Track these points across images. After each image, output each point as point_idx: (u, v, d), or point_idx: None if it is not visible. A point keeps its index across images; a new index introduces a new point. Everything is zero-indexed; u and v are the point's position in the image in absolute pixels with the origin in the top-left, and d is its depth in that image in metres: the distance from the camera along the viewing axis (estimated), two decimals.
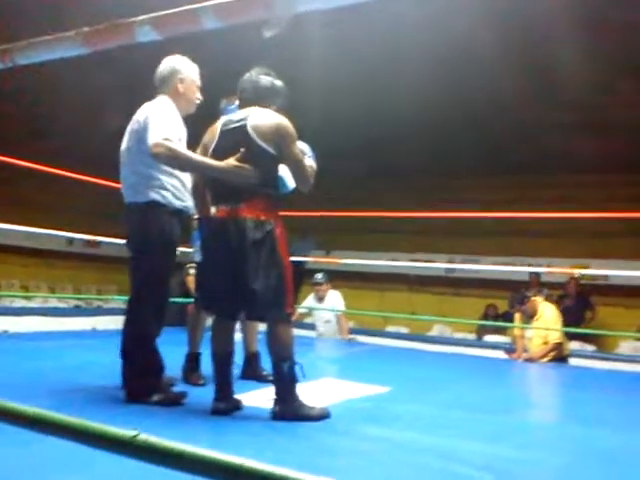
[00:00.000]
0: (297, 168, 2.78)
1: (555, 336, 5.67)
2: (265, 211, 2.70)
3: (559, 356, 5.74)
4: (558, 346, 5.70)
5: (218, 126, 2.85)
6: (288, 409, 2.65)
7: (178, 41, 1.08)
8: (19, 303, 8.52)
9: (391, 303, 10.15)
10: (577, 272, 8.26)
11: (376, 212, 7.57)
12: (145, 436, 0.89)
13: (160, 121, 2.79)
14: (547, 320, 5.69)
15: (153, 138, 2.72)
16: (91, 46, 0.98)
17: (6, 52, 1.02)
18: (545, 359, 5.67)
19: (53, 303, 9.11)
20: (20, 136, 7.63)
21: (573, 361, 6.14)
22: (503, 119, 8.04)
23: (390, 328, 9.36)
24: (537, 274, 8.45)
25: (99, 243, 9.39)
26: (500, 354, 6.70)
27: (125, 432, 0.90)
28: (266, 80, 2.92)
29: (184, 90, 3.06)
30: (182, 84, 3.05)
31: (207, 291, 2.92)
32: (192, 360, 3.56)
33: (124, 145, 3.02)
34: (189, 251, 3.56)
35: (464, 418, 2.99)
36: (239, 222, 2.64)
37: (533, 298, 5.80)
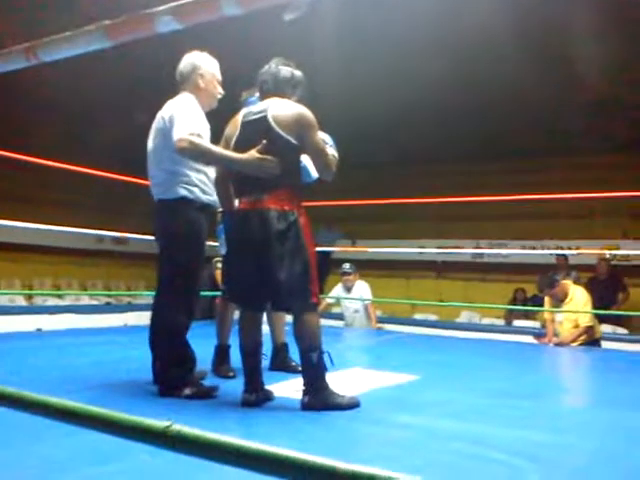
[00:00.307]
0: (319, 157, 2.78)
1: (586, 319, 5.59)
2: (288, 201, 2.69)
3: (590, 339, 5.66)
4: (589, 329, 5.62)
5: (239, 118, 2.85)
6: (318, 399, 2.65)
7: (198, 33, 1.07)
8: (52, 301, 8.67)
9: (418, 290, 10.11)
10: (607, 253, 8.12)
11: (401, 199, 7.54)
12: (178, 426, 0.89)
13: (184, 117, 2.82)
14: (577, 303, 5.61)
15: (178, 134, 2.74)
16: (113, 39, 0.99)
17: (30, 49, 1.03)
18: (576, 343, 5.60)
19: (84, 301, 9.26)
20: (51, 138, 7.72)
21: (605, 344, 6.05)
22: (526, 101, 7.93)
23: (418, 316, 9.33)
24: (564, 256, 8.31)
25: (127, 240, 9.50)
26: (529, 339, 6.64)
27: (158, 423, 0.91)
28: (286, 71, 2.91)
29: (205, 85, 3.08)
30: (203, 80, 3.07)
31: (233, 283, 2.95)
32: (221, 352, 3.59)
33: (150, 144, 3.05)
34: (216, 245, 3.57)
35: (495, 404, 2.96)
36: (263, 213, 2.65)
37: (563, 281, 5.72)
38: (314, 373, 2.68)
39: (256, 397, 2.75)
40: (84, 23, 1.01)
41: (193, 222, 2.94)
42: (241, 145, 2.75)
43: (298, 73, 2.96)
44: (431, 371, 3.83)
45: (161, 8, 0.93)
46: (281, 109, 2.74)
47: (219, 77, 3.17)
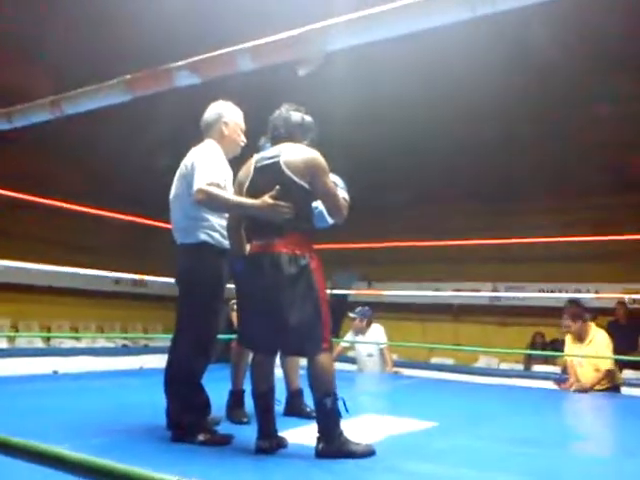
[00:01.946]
0: (330, 200, 2.81)
1: (607, 363, 5.47)
2: (300, 245, 2.71)
3: (611, 385, 5.53)
4: (610, 373, 5.50)
5: (252, 163, 2.90)
6: (332, 446, 2.61)
7: (219, 83, 1.10)
8: (68, 344, 8.69)
9: (435, 334, 10.00)
10: (626, 297, 8.00)
11: (417, 242, 7.53)
12: None
13: (205, 166, 2.88)
14: (599, 346, 5.47)
15: (197, 184, 2.81)
16: (133, 92, 1.02)
17: (55, 103, 1.07)
18: (597, 387, 5.47)
19: (101, 343, 9.27)
20: (74, 185, 7.87)
21: (626, 390, 5.91)
22: (544, 142, 7.95)
23: (435, 360, 9.20)
24: (575, 301, 8.08)
25: (145, 283, 9.56)
26: (550, 384, 6.51)
27: (168, 477, 0.90)
28: (297, 116, 2.96)
29: (229, 133, 3.16)
30: (226, 128, 3.15)
31: (245, 327, 2.91)
32: (235, 397, 3.55)
33: (173, 191, 3.13)
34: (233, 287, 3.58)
35: (515, 452, 2.90)
36: (274, 257, 2.66)
37: (571, 317, 5.56)
38: (328, 420, 2.64)
39: (269, 444, 2.70)
40: (106, 77, 1.05)
41: (213, 266, 2.97)
42: (253, 190, 2.79)
43: (308, 118, 3.01)
44: (448, 417, 3.76)
45: (180, 63, 0.96)
46: (293, 154, 2.78)
47: (242, 126, 3.25)
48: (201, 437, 2.81)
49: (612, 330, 7.04)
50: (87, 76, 1.49)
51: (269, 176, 2.75)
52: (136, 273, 6.18)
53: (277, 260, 2.65)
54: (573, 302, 5.79)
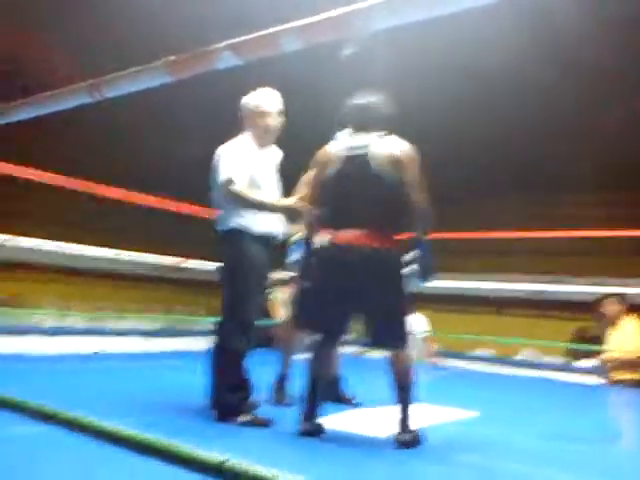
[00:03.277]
0: (418, 192, 2.73)
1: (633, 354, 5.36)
2: (390, 240, 2.74)
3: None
4: (633, 364, 5.37)
5: (338, 151, 2.80)
6: (410, 436, 2.65)
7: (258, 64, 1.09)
8: (112, 324, 8.86)
9: (478, 326, 9.86)
10: None
11: (461, 233, 7.43)
12: (234, 462, 0.89)
13: (226, 162, 3.00)
14: (626, 333, 5.42)
15: (220, 179, 2.96)
16: (175, 74, 1.01)
17: (94, 86, 1.07)
18: (623, 376, 5.37)
19: (144, 324, 9.42)
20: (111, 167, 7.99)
21: None
22: (592, 133, 7.71)
23: (477, 351, 9.09)
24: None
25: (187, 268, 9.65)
26: (591, 379, 6.36)
27: (215, 457, 0.90)
28: (382, 104, 2.89)
29: (257, 122, 3.16)
30: (254, 117, 3.16)
31: (318, 312, 2.82)
32: (282, 381, 3.62)
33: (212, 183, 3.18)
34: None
35: (558, 447, 2.86)
36: (370, 250, 2.66)
37: (610, 302, 5.57)
38: (408, 411, 2.67)
39: (312, 426, 2.73)
40: (146, 60, 1.05)
41: (246, 251, 3.00)
42: (343, 180, 2.75)
43: (390, 105, 2.92)
44: (490, 409, 3.71)
45: (222, 44, 0.95)
46: (387, 148, 2.73)
47: (273, 109, 3.18)
48: (242, 418, 2.87)
49: None
50: (125, 60, 1.49)
51: (360, 169, 2.72)
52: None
53: (375, 254, 2.66)
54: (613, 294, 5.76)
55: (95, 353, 5.90)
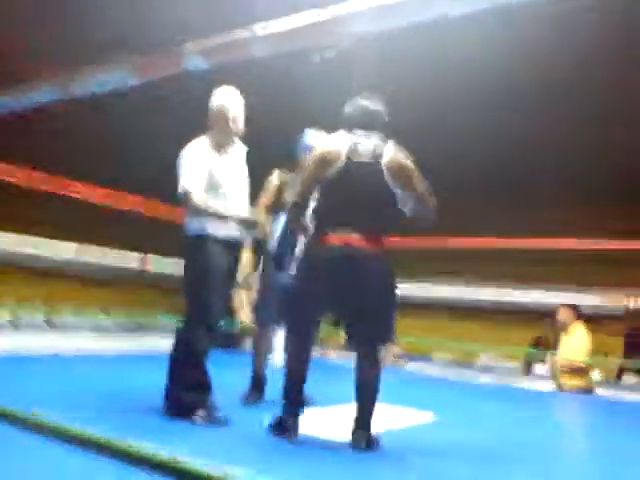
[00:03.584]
0: (426, 201, 2.77)
1: (580, 359, 5.60)
2: (382, 243, 2.77)
3: (586, 385, 5.67)
4: (581, 370, 5.61)
5: (345, 152, 2.74)
6: (372, 437, 2.67)
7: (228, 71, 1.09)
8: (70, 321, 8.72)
9: (436, 330, 9.96)
10: None
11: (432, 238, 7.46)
12: (180, 458, 0.89)
13: (183, 170, 3.05)
14: (576, 340, 5.65)
15: (179, 191, 3.02)
16: (141, 76, 1.01)
17: (62, 83, 1.06)
18: (568, 383, 5.58)
19: (104, 324, 9.28)
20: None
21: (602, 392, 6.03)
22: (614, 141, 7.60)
23: (437, 355, 9.19)
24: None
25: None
26: (546, 385, 6.51)
27: (161, 454, 0.90)
28: (377, 105, 2.89)
29: (221, 121, 3.16)
30: (220, 117, 3.15)
31: (306, 314, 2.81)
32: (258, 381, 3.67)
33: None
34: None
35: (509, 453, 2.91)
36: (368, 254, 2.68)
37: (564, 310, 5.80)
38: (372, 412, 2.70)
39: (296, 427, 2.73)
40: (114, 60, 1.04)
41: (206, 255, 3.02)
42: (351, 184, 2.71)
43: (385, 107, 2.92)
44: (447, 412, 3.77)
45: (190, 47, 0.95)
46: (393, 157, 2.74)
47: (234, 108, 3.17)
48: (197, 415, 2.87)
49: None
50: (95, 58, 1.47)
51: (369, 177, 2.71)
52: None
53: (366, 256, 2.69)
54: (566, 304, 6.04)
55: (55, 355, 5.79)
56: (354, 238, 2.69)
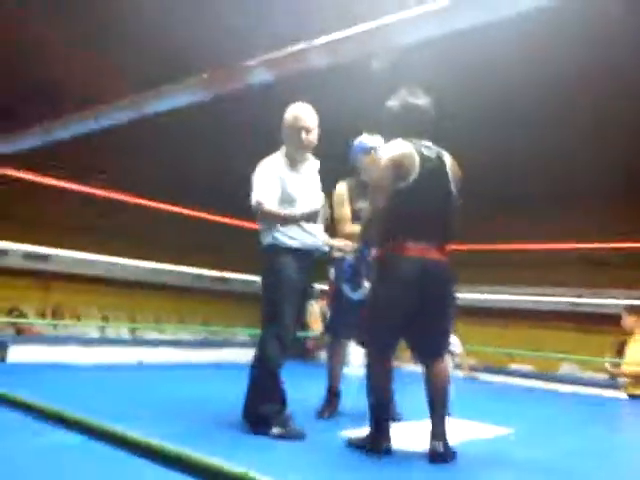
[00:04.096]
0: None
1: None
2: (448, 253, 2.75)
3: None
4: None
5: (420, 156, 2.69)
6: (445, 447, 2.62)
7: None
8: (153, 335, 9.03)
9: (515, 340, 9.69)
10: None
11: (495, 245, 7.34)
12: (255, 474, 0.90)
13: (256, 184, 3.14)
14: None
15: (252, 202, 3.11)
16: (209, 91, 1.05)
17: (134, 102, 1.11)
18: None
19: (183, 336, 9.57)
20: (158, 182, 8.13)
21: None
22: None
23: (514, 366, 8.93)
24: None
25: (228, 279, 9.75)
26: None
27: (236, 469, 0.92)
28: (430, 105, 2.86)
29: (289, 137, 3.22)
30: (295, 131, 3.19)
31: (390, 328, 2.74)
32: (332, 395, 3.65)
33: None
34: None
35: (592, 466, 2.79)
36: (443, 265, 2.70)
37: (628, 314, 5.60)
38: (445, 422, 2.66)
39: (389, 446, 2.69)
40: (182, 77, 1.08)
41: (280, 265, 3.06)
42: (424, 190, 2.68)
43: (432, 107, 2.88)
44: (527, 425, 3.65)
45: (254, 61, 0.98)
46: (452, 163, 2.79)
47: (308, 123, 3.20)
48: (275, 430, 2.87)
49: None
50: (163, 76, 1.53)
51: (439, 181, 2.73)
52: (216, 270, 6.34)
53: (445, 268, 2.70)
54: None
55: (139, 362, 6.02)
56: (432, 249, 2.66)
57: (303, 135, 3.19)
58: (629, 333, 5.64)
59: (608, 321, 8.38)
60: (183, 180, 8.75)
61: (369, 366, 2.77)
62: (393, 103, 2.87)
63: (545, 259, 9.12)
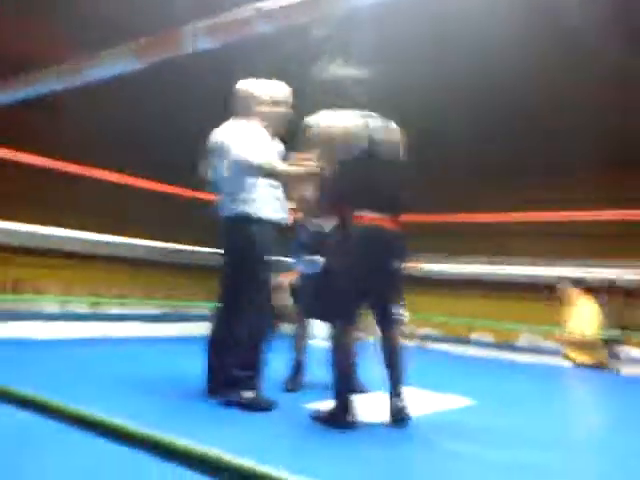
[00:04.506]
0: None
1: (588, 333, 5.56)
2: (400, 222, 2.78)
3: (596, 361, 5.59)
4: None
5: (362, 129, 2.71)
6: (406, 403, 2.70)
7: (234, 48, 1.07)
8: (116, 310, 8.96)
9: (472, 309, 9.84)
10: None
11: (457, 215, 7.40)
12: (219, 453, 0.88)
13: (243, 145, 2.98)
14: (583, 314, 5.64)
15: (242, 159, 2.94)
16: (144, 59, 1.00)
17: (63, 71, 1.05)
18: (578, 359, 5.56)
19: (146, 309, 9.50)
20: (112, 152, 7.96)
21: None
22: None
23: (474, 336, 9.09)
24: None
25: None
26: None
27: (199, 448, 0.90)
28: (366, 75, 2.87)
29: (271, 111, 3.18)
30: (270, 106, 3.18)
31: (349, 300, 2.76)
32: (298, 367, 3.68)
33: (210, 166, 3.18)
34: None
35: (553, 436, 2.85)
36: (397, 232, 2.73)
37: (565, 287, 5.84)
38: (402, 386, 2.74)
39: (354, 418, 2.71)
40: (116, 44, 1.02)
41: (258, 236, 3.01)
42: (372, 160, 2.70)
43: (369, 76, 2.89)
44: (487, 397, 3.72)
45: (191, 26, 0.93)
46: (401, 133, 2.81)
47: (285, 100, 3.21)
48: (246, 395, 2.88)
49: None
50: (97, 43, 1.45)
51: (389, 152, 2.75)
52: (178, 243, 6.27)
53: (398, 235, 2.74)
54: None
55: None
56: (385, 219, 2.69)
57: (281, 111, 3.19)
58: (566, 302, 5.86)
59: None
60: (135, 151, 8.56)
61: (334, 338, 2.76)
62: (326, 75, 2.86)
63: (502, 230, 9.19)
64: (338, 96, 2.81)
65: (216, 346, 3.11)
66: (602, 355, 5.75)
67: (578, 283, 5.87)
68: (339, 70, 2.83)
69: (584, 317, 5.62)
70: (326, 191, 2.78)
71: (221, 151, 3.05)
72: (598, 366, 5.57)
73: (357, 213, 2.67)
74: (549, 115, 7.79)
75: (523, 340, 8.87)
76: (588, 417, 3.48)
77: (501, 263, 9.52)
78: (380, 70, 2.86)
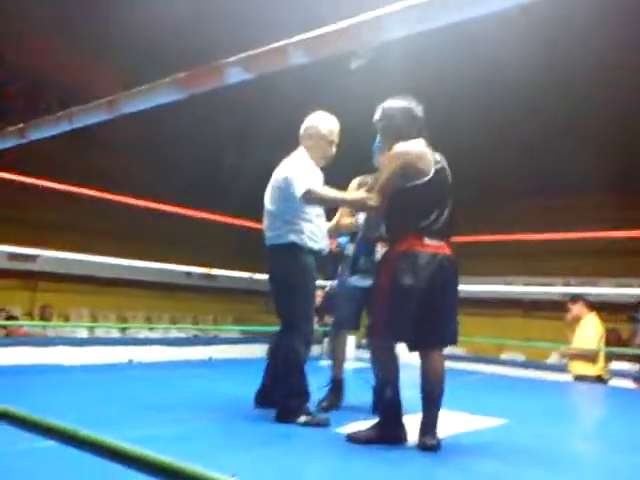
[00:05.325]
0: None
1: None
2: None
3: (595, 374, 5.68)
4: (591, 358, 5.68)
5: (432, 160, 2.87)
6: (435, 439, 2.65)
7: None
8: (143, 334, 8.98)
9: (505, 330, 9.75)
10: None
11: (490, 236, 7.39)
12: None
13: (301, 173, 3.18)
14: (585, 328, 5.81)
15: (300, 189, 3.11)
16: (185, 90, 1.03)
17: (111, 103, 1.10)
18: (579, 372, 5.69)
19: (173, 334, 9.53)
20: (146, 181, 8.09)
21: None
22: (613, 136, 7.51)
23: (505, 356, 8.97)
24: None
25: (216, 276, 9.74)
26: (627, 383, 6.25)
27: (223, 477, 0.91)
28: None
29: (324, 148, 3.38)
30: (325, 143, 3.38)
31: (402, 321, 2.75)
32: (337, 386, 3.68)
33: (267, 196, 3.37)
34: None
35: (588, 454, 2.80)
36: (450, 259, 2.80)
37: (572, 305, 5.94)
38: (436, 414, 2.70)
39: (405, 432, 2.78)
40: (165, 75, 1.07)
41: (305, 265, 3.22)
42: (437, 189, 2.84)
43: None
44: (519, 415, 3.66)
45: (231, 59, 0.97)
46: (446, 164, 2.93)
47: (332, 138, 3.40)
48: (303, 418, 3.06)
49: None
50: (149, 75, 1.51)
51: (447, 181, 2.90)
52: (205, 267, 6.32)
53: (452, 262, 2.80)
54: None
55: (129, 361, 5.97)
56: (443, 245, 2.80)
57: (333, 149, 3.40)
58: (574, 320, 5.99)
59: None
60: (168, 177, 8.71)
61: (379, 357, 2.85)
62: (394, 107, 3.01)
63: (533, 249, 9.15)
64: (410, 126, 2.95)
65: (271, 369, 3.41)
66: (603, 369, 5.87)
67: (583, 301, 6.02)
68: (410, 103, 2.99)
69: (587, 331, 5.81)
70: (394, 215, 2.90)
71: (281, 183, 3.24)
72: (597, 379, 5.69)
73: (423, 240, 2.76)
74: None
75: (553, 359, 8.75)
76: (625, 435, 3.40)
77: (530, 283, 9.43)
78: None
